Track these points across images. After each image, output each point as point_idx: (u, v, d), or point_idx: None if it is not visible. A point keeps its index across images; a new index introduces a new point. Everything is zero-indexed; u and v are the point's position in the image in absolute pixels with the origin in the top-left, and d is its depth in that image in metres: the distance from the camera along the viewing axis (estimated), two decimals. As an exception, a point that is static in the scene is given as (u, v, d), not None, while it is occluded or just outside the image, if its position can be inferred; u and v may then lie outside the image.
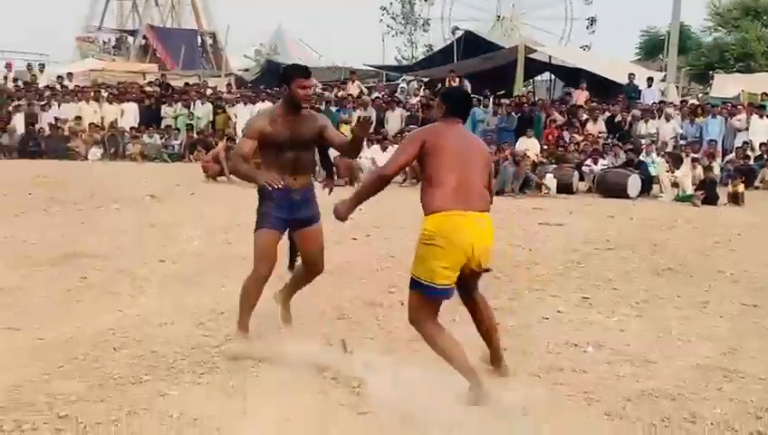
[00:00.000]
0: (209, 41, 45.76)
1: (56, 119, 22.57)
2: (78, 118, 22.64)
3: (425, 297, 4.53)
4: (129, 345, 5.33)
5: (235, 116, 22.50)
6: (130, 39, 45.85)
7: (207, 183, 16.67)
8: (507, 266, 8.29)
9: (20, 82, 25.59)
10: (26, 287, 6.91)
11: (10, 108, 23.01)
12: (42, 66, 27.82)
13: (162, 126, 23.05)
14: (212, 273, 7.56)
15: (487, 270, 4.70)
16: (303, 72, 5.30)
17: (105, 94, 23.95)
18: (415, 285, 4.55)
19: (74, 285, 7.05)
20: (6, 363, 4.90)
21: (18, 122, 22.43)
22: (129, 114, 23.21)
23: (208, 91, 25.33)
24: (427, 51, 43.45)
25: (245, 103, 23.02)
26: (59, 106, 23.14)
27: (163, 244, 9.22)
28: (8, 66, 27.45)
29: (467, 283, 4.69)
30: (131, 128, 22.65)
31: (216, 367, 4.94)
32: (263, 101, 22.94)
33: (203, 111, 23.45)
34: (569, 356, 5.45)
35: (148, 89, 25.28)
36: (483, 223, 4.53)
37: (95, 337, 5.47)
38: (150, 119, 23.15)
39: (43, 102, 23.27)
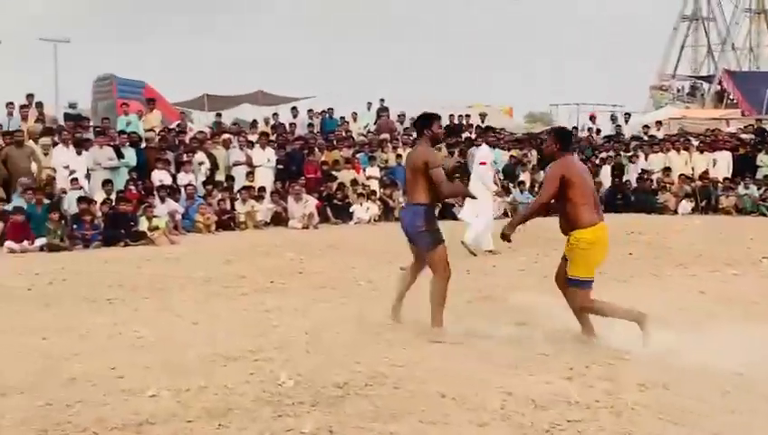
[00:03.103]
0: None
1: (643, 170, 21.81)
2: (666, 169, 21.59)
3: (588, 290, 6.26)
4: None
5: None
6: (705, 85, 44.31)
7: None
8: None
9: (602, 134, 25.49)
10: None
11: (597, 160, 22.81)
12: (627, 116, 27.43)
13: (759, 175, 20.89)
14: None
15: None
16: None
17: (695, 143, 22.56)
18: (579, 284, 6.24)
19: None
20: None
21: (604, 175, 22.09)
22: (721, 163, 21.50)
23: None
24: None
25: None
26: (646, 157, 22.35)
27: None
28: (592, 118, 27.60)
29: None
30: (724, 178, 20.95)
31: None
32: None
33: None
34: None
35: (743, 136, 23.31)
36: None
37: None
38: (745, 168, 21.18)
39: (629, 154, 22.70)
